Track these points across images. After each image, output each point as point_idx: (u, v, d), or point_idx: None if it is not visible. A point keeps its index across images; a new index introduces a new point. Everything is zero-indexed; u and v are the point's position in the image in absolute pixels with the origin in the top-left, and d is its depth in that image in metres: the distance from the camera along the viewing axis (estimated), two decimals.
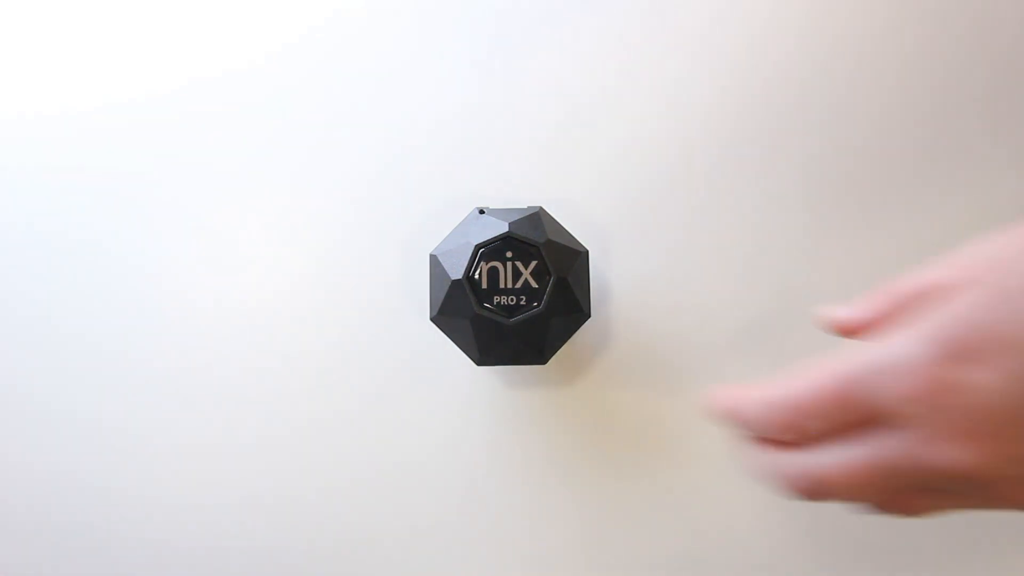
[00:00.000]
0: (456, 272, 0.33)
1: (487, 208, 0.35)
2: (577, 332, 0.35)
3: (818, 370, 0.23)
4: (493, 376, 0.39)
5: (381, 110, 0.41)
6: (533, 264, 0.33)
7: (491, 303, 0.33)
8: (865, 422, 0.22)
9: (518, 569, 0.37)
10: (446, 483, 0.38)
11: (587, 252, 0.35)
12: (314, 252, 0.41)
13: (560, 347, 0.34)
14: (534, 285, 0.33)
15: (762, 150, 0.40)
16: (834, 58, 0.41)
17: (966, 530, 0.37)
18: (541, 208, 0.36)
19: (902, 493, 0.23)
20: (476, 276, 0.33)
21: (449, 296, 0.33)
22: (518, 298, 0.33)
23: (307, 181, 0.43)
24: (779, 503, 0.37)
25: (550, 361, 0.34)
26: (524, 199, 0.40)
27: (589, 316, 0.35)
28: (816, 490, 0.24)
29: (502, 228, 0.33)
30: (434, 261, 0.34)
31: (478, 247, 0.33)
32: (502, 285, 0.33)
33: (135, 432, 0.39)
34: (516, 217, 0.34)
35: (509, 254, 0.33)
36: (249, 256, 0.41)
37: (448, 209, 0.38)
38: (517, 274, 0.33)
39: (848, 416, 0.22)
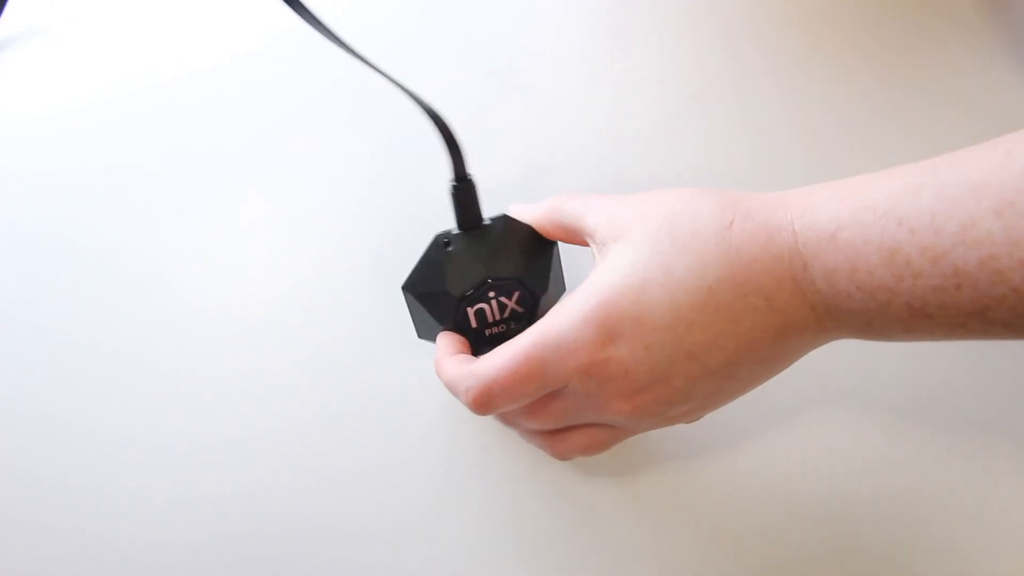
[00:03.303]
0: (444, 321, 0.33)
1: (449, 234, 0.33)
2: None
3: (505, 353, 0.28)
4: None
5: (386, 107, 0.39)
6: (516, 295, 0.33)
7: (484, 338, 0.33)
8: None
9: (517, 564, 0.38)
10: (444, 481, 0.38)
11: (556, 246, 0.34)
12: (315, 251, 0.40)
13: None
14: (520, 310, 0.33)
15: None
16: None
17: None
18: (506, 218, 0.33)
19: (568, 433, 0.30)
20: (463, 322, 0.33)
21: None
22: (507, 325, 0.33)
23: (309, 177, 0.41)
24: (778, 502, 0.37)
25: None
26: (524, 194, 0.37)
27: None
28: (504, 420, 0.32)
29: (479, 273, 0.32)
30: (411, 301, 0.34)
31: (460, 300, 0.32)
32: (490, 320, 0.33)
33: (130, 432, 0.38)
34: (487, 251, 0.32)
35: (492, 294, 0.33)
36: (248, 254, 0.40)
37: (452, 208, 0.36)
38: (503, 306, 0.33)
39: (539, 391, 0.28)
